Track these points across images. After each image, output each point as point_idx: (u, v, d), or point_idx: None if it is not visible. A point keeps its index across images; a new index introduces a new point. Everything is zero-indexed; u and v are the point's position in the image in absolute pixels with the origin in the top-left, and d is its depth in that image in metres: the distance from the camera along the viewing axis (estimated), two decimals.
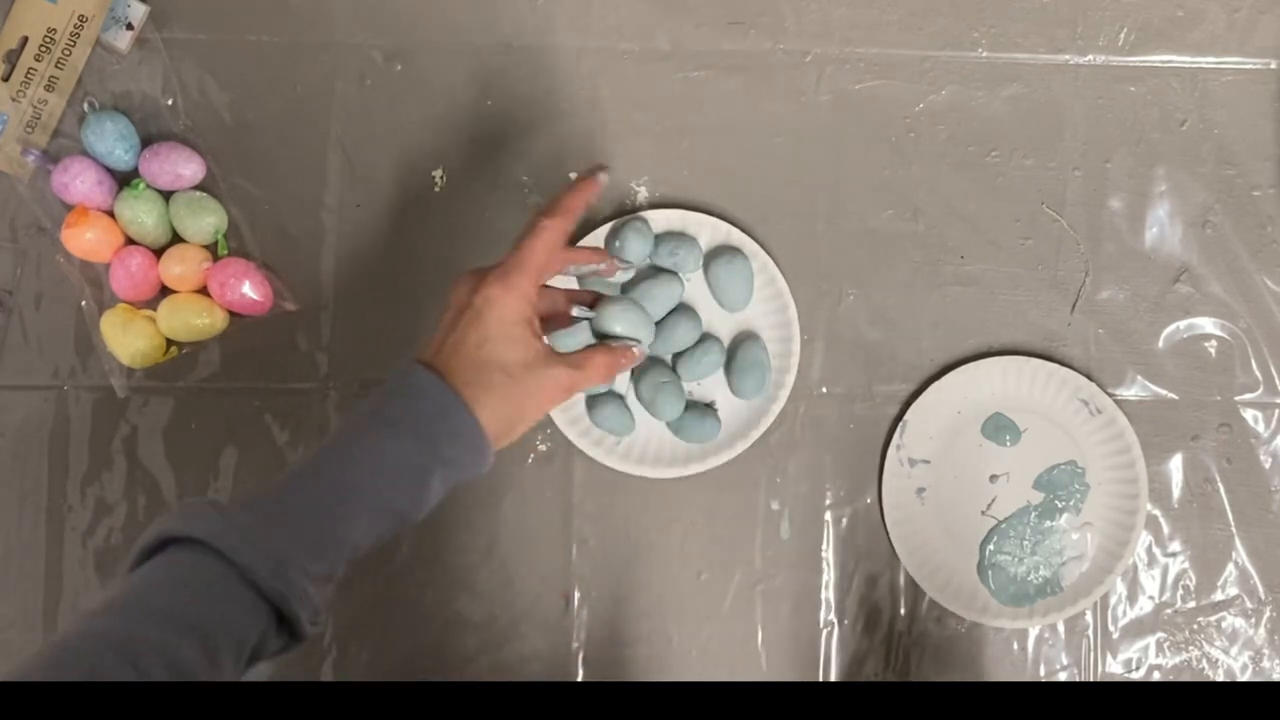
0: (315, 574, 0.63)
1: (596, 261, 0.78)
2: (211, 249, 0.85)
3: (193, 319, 0.83)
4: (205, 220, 0.84)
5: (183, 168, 0.83)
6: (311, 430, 0.85)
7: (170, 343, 0.84)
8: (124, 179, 0.84)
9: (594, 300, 0.79)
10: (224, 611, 0.60)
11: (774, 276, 0.85)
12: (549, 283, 0.77)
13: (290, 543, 0.62)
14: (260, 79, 0.86)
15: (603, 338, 0.77)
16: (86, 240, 0.82)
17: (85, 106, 0.85)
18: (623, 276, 0.81)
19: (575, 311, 0.77)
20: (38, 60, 0.84)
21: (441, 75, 0.87)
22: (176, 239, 0.85)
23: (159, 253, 0.84)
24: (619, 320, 0.76)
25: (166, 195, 0.84)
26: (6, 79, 0.84)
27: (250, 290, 0.83)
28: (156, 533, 0.61)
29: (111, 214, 0.83)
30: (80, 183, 0.82)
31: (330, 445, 0.66)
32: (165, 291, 0.84)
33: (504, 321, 0.69)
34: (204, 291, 0.84)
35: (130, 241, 0.84)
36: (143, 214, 0.83)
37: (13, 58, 0.84)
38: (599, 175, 0.75)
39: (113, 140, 0.83)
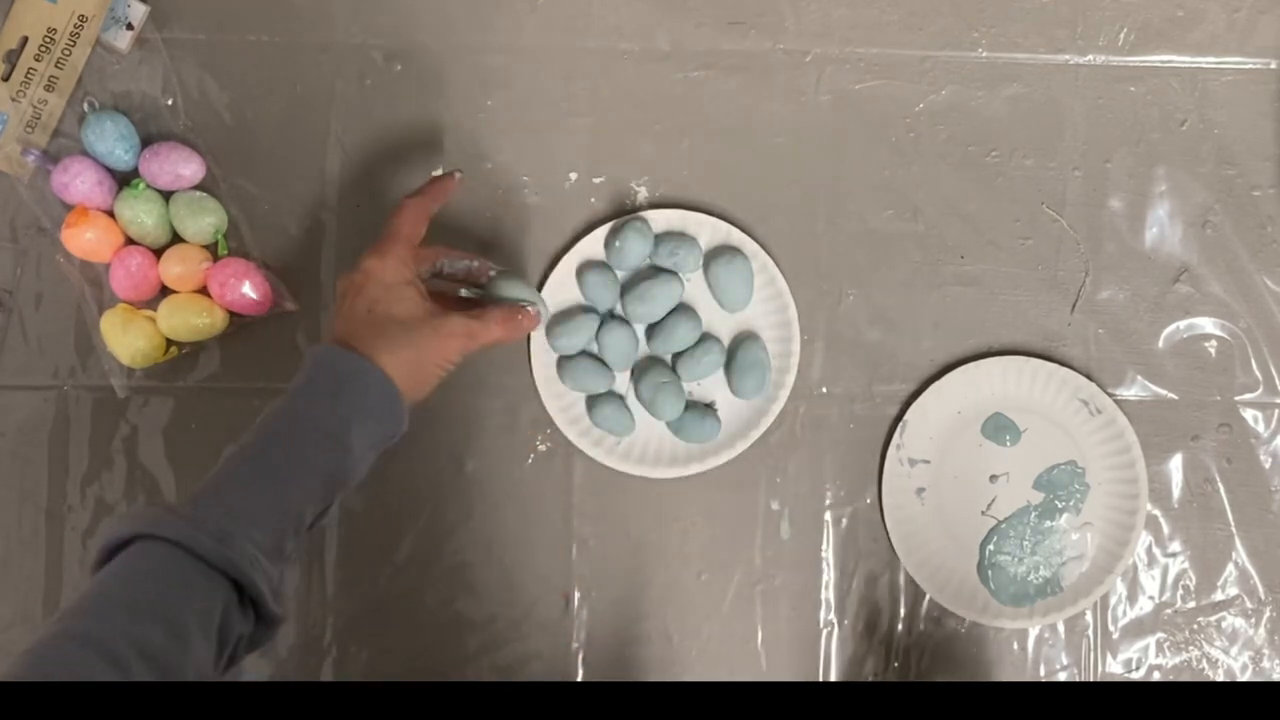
0: (263, 545, 0.65)
1: (469, 259, 0.80)
2: (211, 249, 0.85)
3: (193, 319, 0.83)
4: (205, 220, 0.83)
5: (183, 168, 0.83)
6: None
7: (170, 343, 0.84)
8: (124, 179, 0.84)
9: (479, 279, 0.80)
10: (182, 592, 0.62)
11: (774, 276, 0.85)
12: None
13: (229, 518, 0.65)
14: (260, 79, 0.86)
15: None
16: (86, 240, 0.82)
17: (85, 106, 0.85)
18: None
19: (463, 292, 0.80)
20: (38, 60, 0.84)
21: (441, 75, 0.87)
22: (176, 239, 0.85)
23: (159, 253, 0.84)
24: (509, 288, 0.79)
25: (166, 195, 0.84)
26: (6, 79, 0.84)
27: (250, 290, 0.83)
28: (103, 541, 0.64)
29: (111, 214, 0.83)
30: (80, 183, 0.82)
31: (252, 429, 0.70)
32: (165, 291, 0.84)
33: (386, 284, 0.73)
34: (204, 291, 0.84)
35: (130, 241, 0.84)
36: (143, 214, 0.83)
37: (13, 58, 0.84)
38: (455, 174, 0.79)
39: (113, 140, 0.83)
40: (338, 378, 0.70)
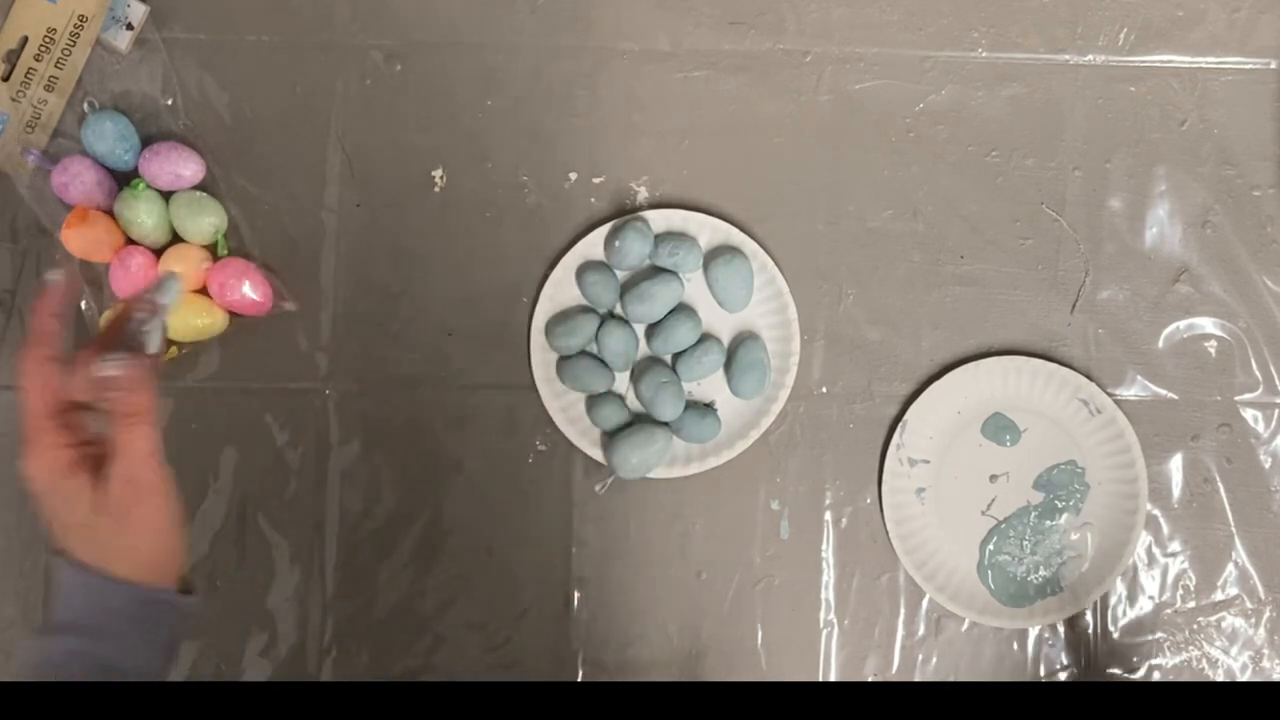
0: None
1: (134, 325, 0.66)
2: (211, 249, 0.85)
3: (193, 319, 0.83)
4: (205, 220, 0.83)
5: (183, 168, 0.83)
6: (311, 430, 0.85)
7: (170, 343, 0.84)
8: (124, 179, 0.84)
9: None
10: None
11: (774, 276, 0.85)
12: None
13: None
14: (260, 79, 0.86)
15: None
16: (86, 240, 0.82)
17: (85, 107, 0.85)
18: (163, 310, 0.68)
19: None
20: (38, 60, 0.84)
21: (441, 75, 0.87)
22: (176, 239, 0.85)
23: (159, 253, 0.84)
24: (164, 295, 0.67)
25: (166, 195, 0.84)
26: (6, 79, 0.84)
27: (250, 290, 0.83)
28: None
29: (111, 214, 0.83)
30: (80, 183, 0.82)
31: None
32: None
33: (46, 492, 0.63)
34: (204, 292, 0.84)
35: (130, 241, 0.84)
36: (143, 214, 0.83)
37: (13, 58, 0.84)
38: (50, 279, 0.65)
39: (113, 140, 0.83)
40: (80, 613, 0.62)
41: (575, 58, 0.87)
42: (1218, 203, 0.87)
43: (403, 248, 0.86)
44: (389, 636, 0.85)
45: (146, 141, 0.84)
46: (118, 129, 0.83)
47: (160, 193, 0.84)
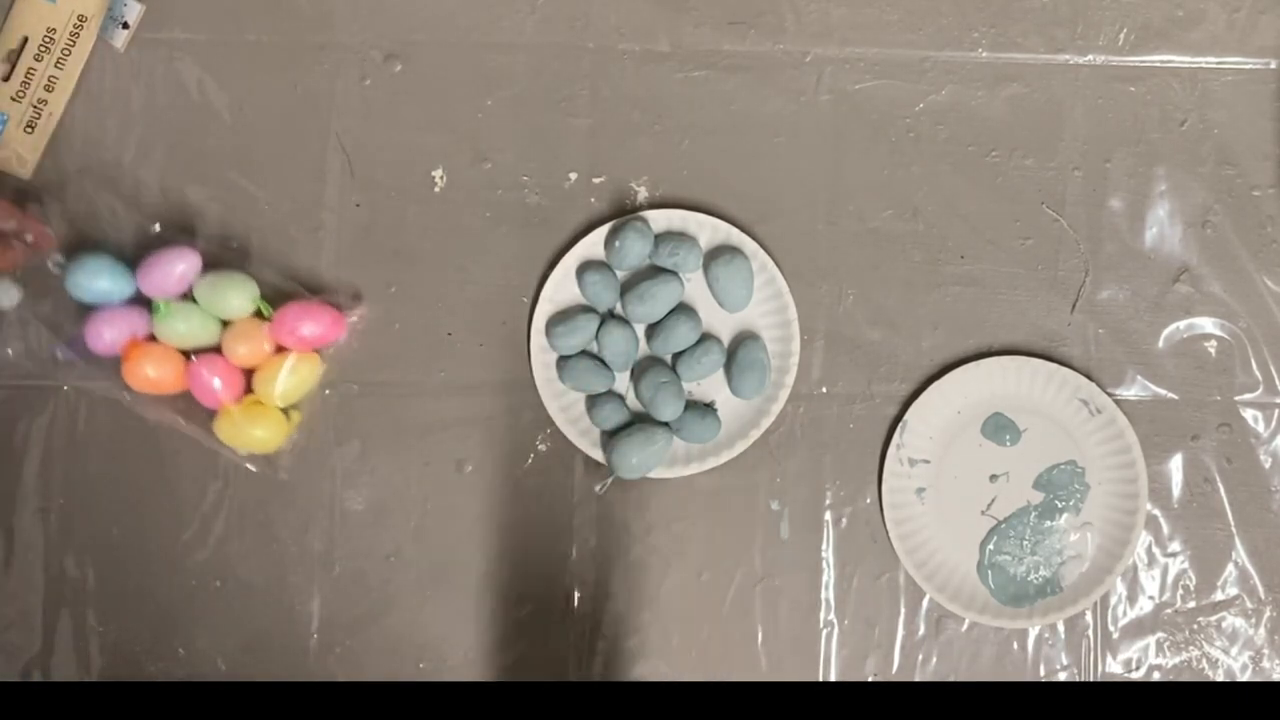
0: None
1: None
2: (259, 314, 0.83)
3: (297, 375, 0.82)
4: (235, 301, 0.81)
5: (178, 265, 0.81)
6: (311, 431, 0.85)
7: (289, 409, 0.83)
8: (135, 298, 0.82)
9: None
10: None
11: (774, 276, 0.85)
12: None
13: None
14: (260, 79, 0.86)
15: None
16: (150, 376, 0.81)
17: (52, 266, 0.81)
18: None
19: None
20: (37, 60, 0.84)
21: (441, 75, 0.87)
22: (225, 323, 0.83)
23: (218, 348, 0.82)
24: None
25: (187, 295, 0.82)
26: (6, 79, 0.84)
27: (313, 327, 0.82)
28: None
29: (154, 338, 0.81)
30: (108, 332, 0.80)
31: None
32: (248, 374, 0.83)
33: None
34: (280, 350, 0.83)
35: (187, 354, 0.82)
36: (180, 325, 0.81)
37: (13, 58, 0.84)
38: None
39: (105, 278, 0.80)
40: None
41: (575, 58, 0.87)
42: (1218, 203, 0.87)
43: (403, 248, 0.86)
44: (388, 636, 0.85)
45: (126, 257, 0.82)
46: (99, 265, 0.81)
47: (181, 297, 0.82)
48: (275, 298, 0.83)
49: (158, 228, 0.84)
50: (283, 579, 0.85)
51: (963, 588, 0.85)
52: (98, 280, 0.81)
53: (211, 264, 0.82)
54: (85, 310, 0.82)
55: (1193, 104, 0.87)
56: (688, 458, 0.85)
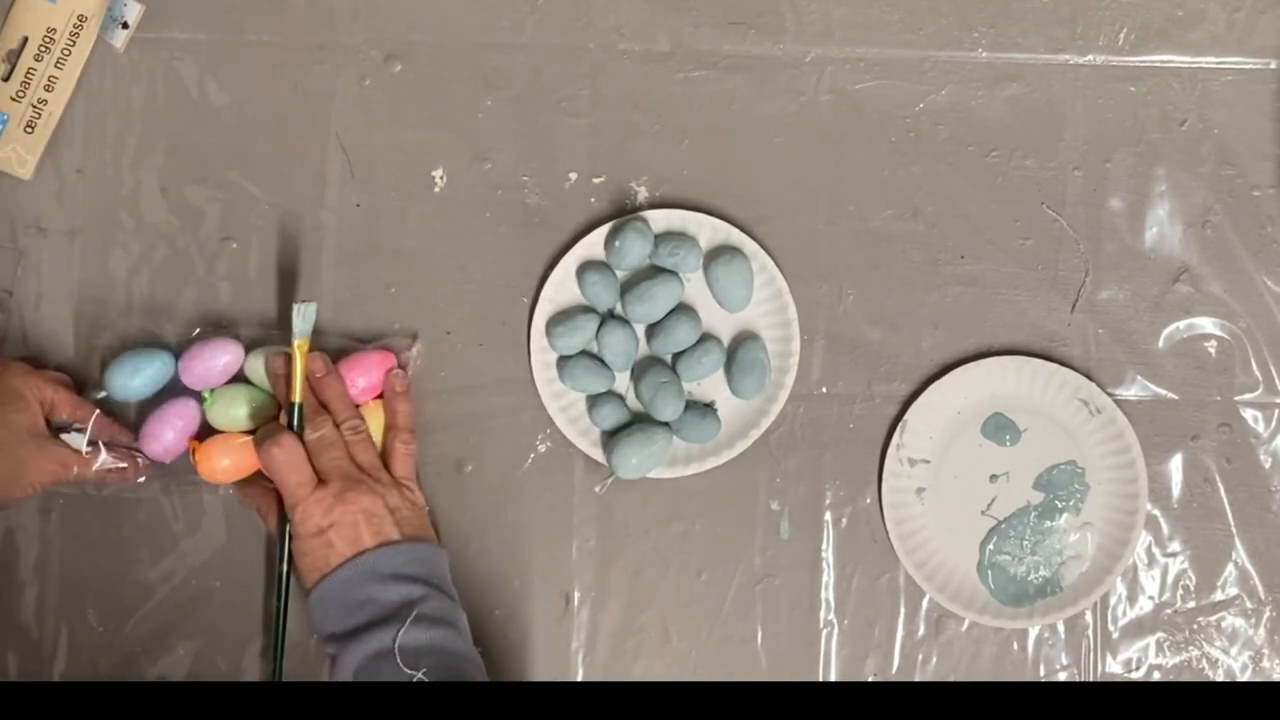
0: None
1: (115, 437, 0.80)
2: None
3: (376, 424, 0.82)
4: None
5: (221, 357, 0.81)
6: None
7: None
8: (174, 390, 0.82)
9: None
10: None
11: (774, 276, 0.85)
12: None
13: None
14: (260, 79, 0.86)
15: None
16: (225, 468, 0.80)
17: (97, 394, 0.82)
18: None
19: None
20: (37, 60, 0.84)
21: (441, 75, 0.87)
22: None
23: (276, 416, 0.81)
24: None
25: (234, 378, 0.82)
26: (6, 79, 0.84)
27: (365, 377, 0.81)
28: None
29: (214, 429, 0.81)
30: (167, 433, 0.80)
31: None
32: None
33: (7, 387, 0.77)
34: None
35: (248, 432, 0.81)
36: (233, 411, 0.81)
37: (13, 58, 0.84)
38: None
39: (144, 375, 0.80)
40: None
41: (575, 58, 0.87)
42: (1218, 203, 0.87)
43: (403, 248, 0.86)
44: None
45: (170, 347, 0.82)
46: (136, 364, 0.80)
47: (227, 384, 0.82)
48: (333, 355, 0.82)
49: (198, 332, 0.84)
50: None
51: (963, 588, 0.85)
52: (137, 377, 0.81)
53: (250, 345, 0.82)
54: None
55: (1193, 104, 0.87)
56: (688, 458, 0.85)
